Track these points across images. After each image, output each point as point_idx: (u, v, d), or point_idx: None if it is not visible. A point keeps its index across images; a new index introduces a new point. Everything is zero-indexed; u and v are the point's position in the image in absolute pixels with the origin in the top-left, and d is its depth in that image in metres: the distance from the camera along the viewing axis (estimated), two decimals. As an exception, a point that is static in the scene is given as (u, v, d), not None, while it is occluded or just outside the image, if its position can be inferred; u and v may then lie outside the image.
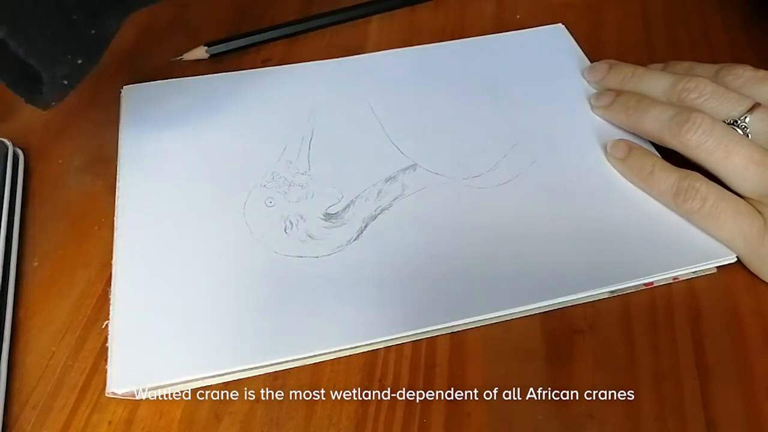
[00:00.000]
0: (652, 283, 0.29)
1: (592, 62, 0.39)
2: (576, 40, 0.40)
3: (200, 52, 0.40)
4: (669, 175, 0.31)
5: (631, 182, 0.32)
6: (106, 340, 0.27)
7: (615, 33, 0.42)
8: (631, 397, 0.26)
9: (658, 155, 0.32)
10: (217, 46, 0.40)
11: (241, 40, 0.41)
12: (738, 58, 0.40)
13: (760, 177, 0.29)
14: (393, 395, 0.26)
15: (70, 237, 0.31)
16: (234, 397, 0.26)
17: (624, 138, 0.34)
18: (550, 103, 0.37)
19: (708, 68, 0.34)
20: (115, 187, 0.32)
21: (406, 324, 0.27)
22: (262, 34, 0.41)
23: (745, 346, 0.27)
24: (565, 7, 0.44)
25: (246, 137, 0.35)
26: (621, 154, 0.33)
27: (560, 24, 0.42)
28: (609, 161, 0.33)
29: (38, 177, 0.34)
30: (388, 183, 0.33)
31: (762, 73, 0.32)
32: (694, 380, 0.26)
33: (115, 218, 0.31)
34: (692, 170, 0.30)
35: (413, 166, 0.33)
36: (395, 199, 0.32)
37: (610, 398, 0.26)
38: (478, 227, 0.31)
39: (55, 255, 0.31)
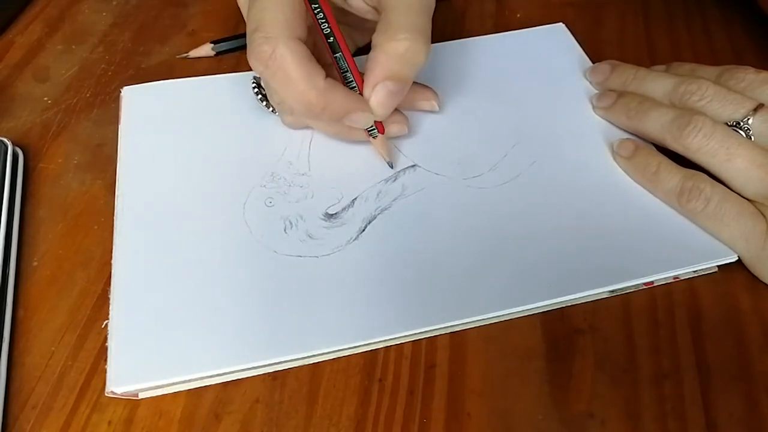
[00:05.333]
0: (652, 282, 0.29)
1: (592, 62, 0.39)
2: (576, 40, 0.40)
3: (206, 50, 0.40)
4: (674, 175, 0.31)
5: (636, 181, 0.32)
6: (105, 339, 0.27)
7: (615, 33, 0.42)
8: (631, 397, 0.26)
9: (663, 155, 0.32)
10: (223, 43, 0.41)
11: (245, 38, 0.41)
12: (739, 58, 0.40)
13: (763, 179, 0.29)
14: (393, 395, 0.26)
15: (70, 237, 0.31)
16: (233, 397, 0.26)
17: (630, 137, 0.34)
18: (550, 102, 0.37)
19: (711, 70, 0.34)
20: (115, 187, 0.32)
21: (406, 324, 0.27)
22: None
23: (745, 346, 0.27)
24: (566, 7, 0.44)
25: (246, 138, 0.35)
26: (627, 153, 0.33)
27: (561, 24, 0.42)
28: (615, 160, 0.33)
29: (38, 177, 0.34)
30: (388, 183, 0.33)
31: (764, 75, 0.32)
32: (694, 380, 0.26)
33: (114, 218, 0.31)
34: (697, 171, 0.30)
35: (413, 167, 0.33)
36: (395, 199, 0.32)
37: (610, 398, 0.26)
38: (478, 227, 0.31)
39: (54, 255, 0.31)
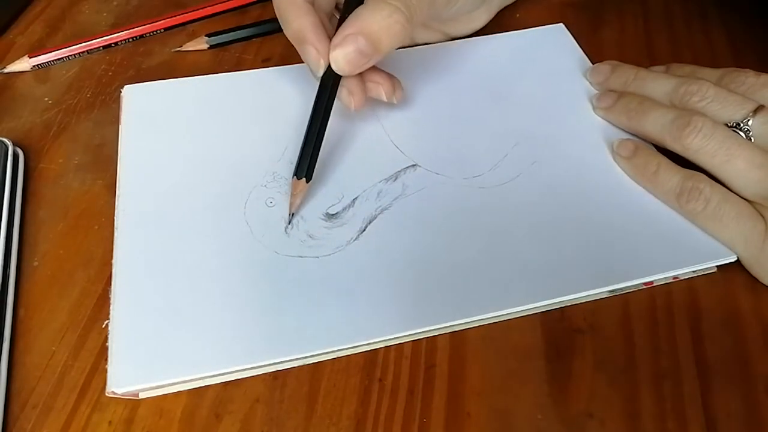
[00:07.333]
0: (651, 282, 0.29)
1: (592, 62, 0.39)
2: (576, 40, 0.40)
3: (200, 43, 0.41)
4: (673, 176, 0.31)
5: (636, 181, 0.32)
6: (106, 339, 0.27)
7: (615, 33, 0.42)
8: (630, 396, 0.26)
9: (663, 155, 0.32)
10: (217, 36, 0.41)
11: (241, 31, 0.42)
12: (738, 58, 0.40)
13: (762, 180, 0.29)
14: (393, 395, 0.26)
15: (70, 237, 0.31)
16: (234, 397, 0.26)
17: (630, 137, 0.34)
18: (550, 102, 0.37)
19: (711, 73, 0.34)
20: (115, 187, 0.32)
21: (406, 324, 0.27)
22: (262, 26, 0.42)
23: (745, 345, 0.27)
24: (565, 7, 0.44)
25: (247, 137, 0.35)
26: (627, 153, 0.33)
27: (560, 24, 0.42)
28: (615, 160, 0.33)
29: (38, 177, 0.34)
30: (389, 183, 0.33)
31: (765, 78, 0.32)
32: (694, 380, 0.26)
33: (115, 218, 0.31)
34: (697, 171, 0.31)
35: (414, 166, 0.34)
36: (395, 199, 0.32)
37: (609, 398, 0.26)
38: (479, 227, 0.31)
39: (55, 255, 0.31)
